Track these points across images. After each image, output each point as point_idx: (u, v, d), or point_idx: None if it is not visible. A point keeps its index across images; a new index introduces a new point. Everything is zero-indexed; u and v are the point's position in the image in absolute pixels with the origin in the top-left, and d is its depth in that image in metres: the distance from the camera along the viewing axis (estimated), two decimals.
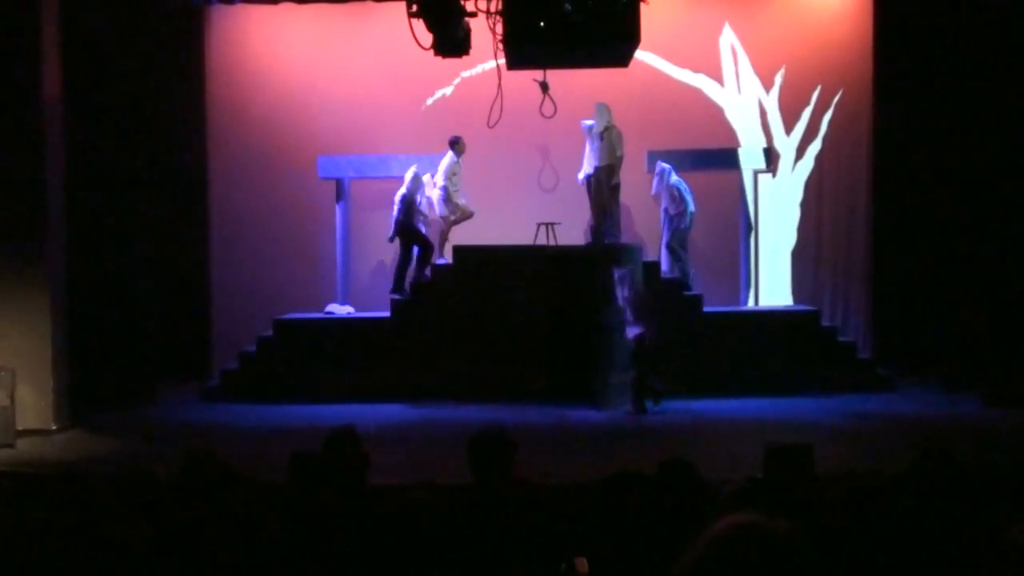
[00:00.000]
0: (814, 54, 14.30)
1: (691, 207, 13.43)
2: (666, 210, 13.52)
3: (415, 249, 13.41)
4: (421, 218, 13.49)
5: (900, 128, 13.62)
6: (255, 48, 14.57)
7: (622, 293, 11.82)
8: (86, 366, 12.01)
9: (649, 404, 11.62)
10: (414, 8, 7.25)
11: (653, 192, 13.70)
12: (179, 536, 4.13)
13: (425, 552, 4.13)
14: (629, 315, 11.72)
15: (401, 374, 12.74)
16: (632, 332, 11.62)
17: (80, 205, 12.37)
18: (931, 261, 13.45)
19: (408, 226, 13.26)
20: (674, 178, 13.45)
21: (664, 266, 13.48)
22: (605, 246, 12.97)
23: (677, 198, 13.38)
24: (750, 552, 1.87)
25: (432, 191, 13.57)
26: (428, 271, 13.40)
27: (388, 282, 14.31)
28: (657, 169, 13.55)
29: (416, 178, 13.33)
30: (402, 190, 13.28)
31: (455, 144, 13.37)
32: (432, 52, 7.61)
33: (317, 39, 14.54)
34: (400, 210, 13.22)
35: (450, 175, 13.37)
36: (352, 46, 14.52)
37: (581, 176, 13.48)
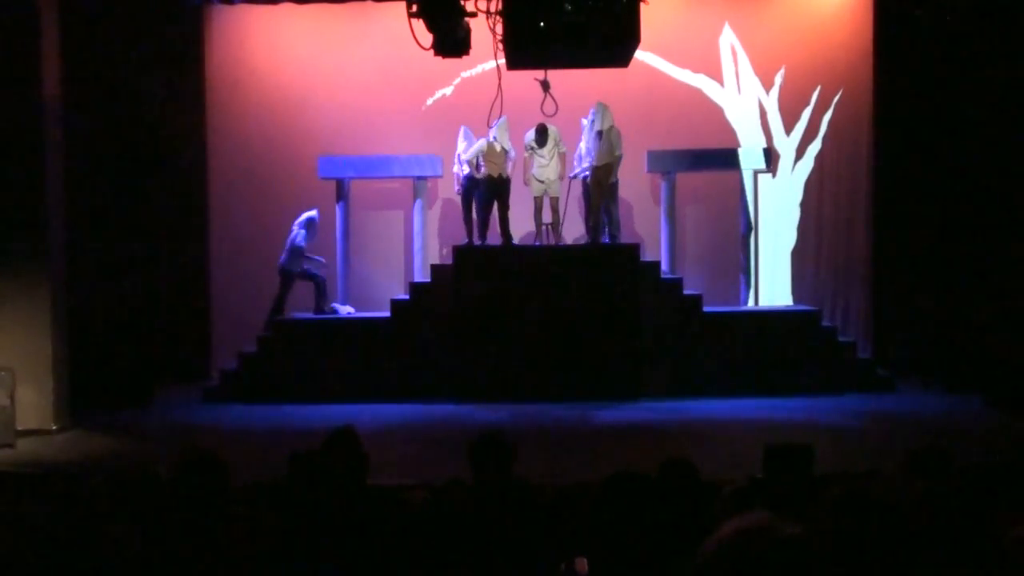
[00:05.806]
0: (814, 54, 14.31)
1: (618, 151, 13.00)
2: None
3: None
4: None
5: (900, 128, 13.62)
6: (255, 48, 14.57)
7: None
8: (86, 366, 12.01)
9: None
10: (414, 8, 7.25)
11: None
12: (179, 536, 4.13)
13: (425, 552, 4.13)
14: None
15: (401, 374, 12.76)
16: None
17: (80, 205, 12.37)
18: (931, 261, 13.45)
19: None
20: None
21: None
22: (603, 245, 12.96)
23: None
24: (760, 555, 1.87)
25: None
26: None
27: (388, 282, 14.32)
28: (591, 118, 13.20)
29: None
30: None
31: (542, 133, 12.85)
32: (432, 52, 7.60)
33: (317, 39, 14.54)
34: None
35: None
36: (352, 46, 14.53)
37: (580, 170, 13.38)
